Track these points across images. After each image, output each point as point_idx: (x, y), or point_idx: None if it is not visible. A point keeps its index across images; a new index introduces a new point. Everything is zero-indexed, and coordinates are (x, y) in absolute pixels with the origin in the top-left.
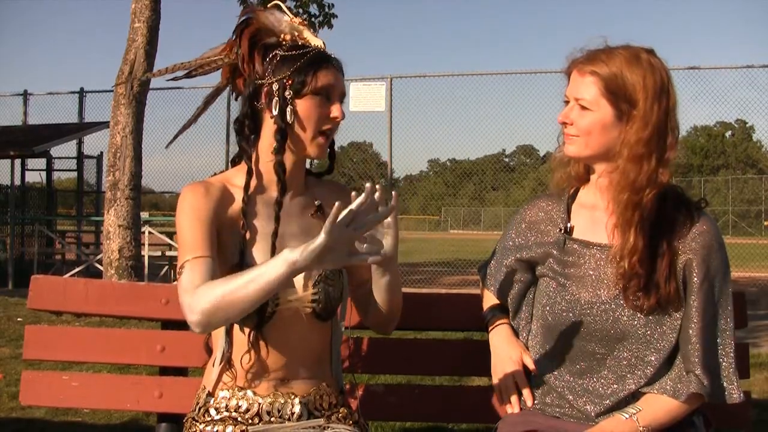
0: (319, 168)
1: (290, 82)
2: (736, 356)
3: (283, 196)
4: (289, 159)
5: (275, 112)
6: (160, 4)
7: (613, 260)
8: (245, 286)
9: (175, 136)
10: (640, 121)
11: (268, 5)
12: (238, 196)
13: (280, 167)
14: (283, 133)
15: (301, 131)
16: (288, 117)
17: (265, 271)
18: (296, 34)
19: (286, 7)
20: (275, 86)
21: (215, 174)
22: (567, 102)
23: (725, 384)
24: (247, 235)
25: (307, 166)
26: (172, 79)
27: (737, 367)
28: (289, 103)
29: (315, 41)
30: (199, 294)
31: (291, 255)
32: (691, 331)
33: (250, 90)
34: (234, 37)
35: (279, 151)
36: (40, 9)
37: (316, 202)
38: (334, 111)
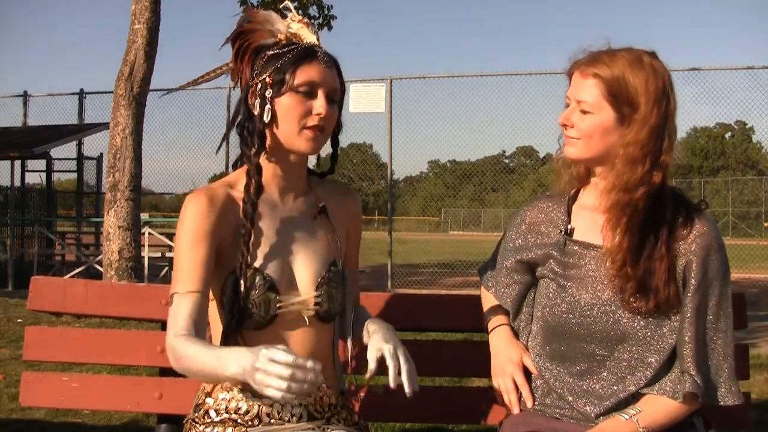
0: (321, 168)
1: (270, 80)
2: (735, 358)
3: (257, 198)
4: (284, 162)
5: (256, 112)
6: (160, 5)
7: (604, 261)
8: (202, 364)
9: (180, 87)
10: (639, 124)
11: (279, 6)
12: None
13: (256, 168)
14: (260, 134)
15: (282, 130)
16: (265, 116)
17: (219, 366)
18: (291, 32)
19: (293, 7)
20: (259, 86)
21: (215, 176)
22: (568, 104)
23: (720, 385)
24: (246, 238)
25: (311, 165)
26: (180, 89)
27: (735, 369)
28: (268, 101)
29: (308, 37)
30: (177, 348)
31: (242, 365)
32: (686, 332)
33: (244, 92)
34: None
35: (257, 152)
36: (39, 10)
37: (320, 204)
38: (317, 106)
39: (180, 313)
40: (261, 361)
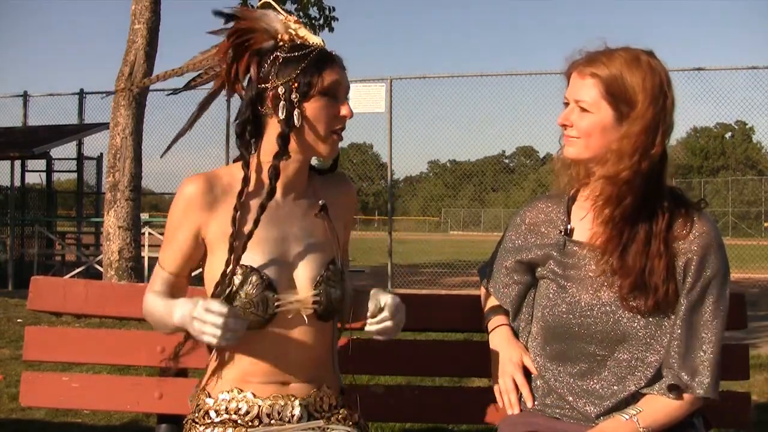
0: (321, 166)
1: (296, 84)
2: (726, 358)
3: (270, 200)
4: (293, 162)
5: (282, 116)
6: (160, 5)
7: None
8: (158, 312)
9: (171, 144)
10: (634, 120)
11: (259, 5)
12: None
13: (274, 171)
14: (285, 138)
15: (311, 133)
16: (295, 120)
17: (167, 314)
18: (293, 33)
19: (281, 8)
20: (281, 90)
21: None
22: (566, 104)
23: (702, 381)
24: (236, 243)
25: (313, 162)
26: (173, 93)
27: (733, 369)
28: (297, 106)
29: (314, 39)
30: (146, 299)
31: (183, 314)
32: (678, 328)
33: (253, 94)
34: (224, 40)
35: (279, 156)
36: (39, 10)
37: (320, 202)
38: (344, 110)
39: (158, 280)
40: (198, 311)
